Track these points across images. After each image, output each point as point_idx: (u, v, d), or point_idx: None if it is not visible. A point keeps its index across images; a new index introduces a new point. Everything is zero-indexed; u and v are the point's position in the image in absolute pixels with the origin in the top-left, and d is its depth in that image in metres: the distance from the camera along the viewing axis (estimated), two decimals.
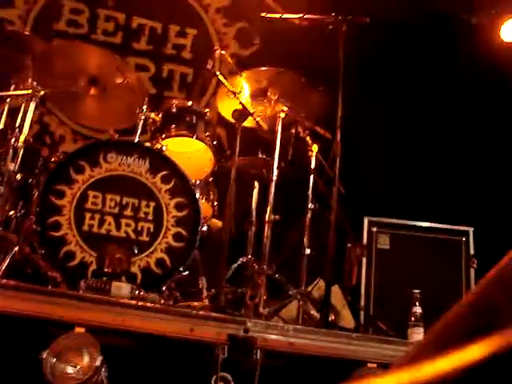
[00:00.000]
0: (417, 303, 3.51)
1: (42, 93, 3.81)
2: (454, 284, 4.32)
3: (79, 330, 2.50)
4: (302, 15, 4.26)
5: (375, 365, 2.81)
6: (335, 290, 4.09)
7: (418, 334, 3.39)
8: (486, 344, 0.54)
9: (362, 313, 4.25)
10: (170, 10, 6.26)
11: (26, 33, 5.08)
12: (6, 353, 2.51)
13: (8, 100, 4.11)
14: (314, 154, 4.22)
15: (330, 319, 3.45)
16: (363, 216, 4.54)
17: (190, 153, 4.18)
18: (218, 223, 4.14)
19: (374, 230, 4.47)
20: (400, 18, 5.55)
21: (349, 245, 4.49)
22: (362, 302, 4.29)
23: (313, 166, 4.22)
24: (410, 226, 4.53)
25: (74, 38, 5.85)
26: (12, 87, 4.14)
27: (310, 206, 4.11)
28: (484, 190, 5.54)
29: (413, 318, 3.48)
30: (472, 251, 4.43)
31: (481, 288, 0.69)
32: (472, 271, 4.38)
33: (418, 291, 3.55)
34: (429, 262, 4.40)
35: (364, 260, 4.41)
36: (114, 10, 6.11)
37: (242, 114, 3.88)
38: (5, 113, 4.07)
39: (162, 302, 3.27)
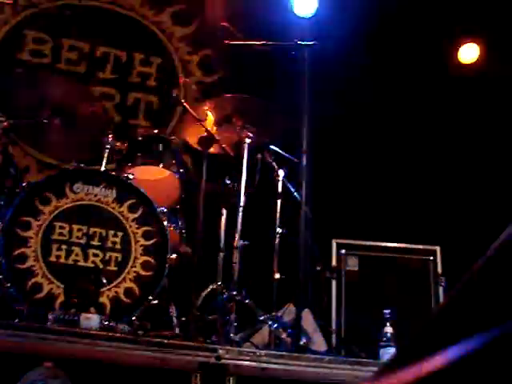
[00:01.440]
0: (387, 323, 3.53)
1: (6, 123, 3.78)
2: (424, 303, 4.36)
3: (47, 364, 2.46)
4: (264, 41, 4.31)
5: None
6: (306, 313, 4.10)
7: (389, 354, 3.40)
8: (447, 354, 0.56)
9: (333, 335, 4.25)
10: (135, 39, 6.28)
11: None
12: None
13: None
14: (281, 178, 4.25)
15: (301, 343, 3.45)
16: (331, 239, 4.57)
17: (157, 180, 4.17)
18: (188, 249, 4.11)
19: (343, 252, 4.50)
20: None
21: (318, 268, 4.50)
22: (334, 325, 4.30)
23: (280, 190, 4.24)
24: (378, 247, 4.57)
25: (38, 67, 5.83)
26: None
27: (278, 230, 4.12)
28: (450, 208, 5.62)
29: (384, 339, 3.49)
30: (440, 270, 4.49)
31: (443, 304, 0.72)
32: (440, 289, 4.42)
33: (388, 311, 3.57)
34: (398, 282, 4.44)
35: (334, 282, 4.43)
36: (78, 39, 6.10)
37: (208, 140, 3.90)
38: None
39: (132, 332, 3.23)
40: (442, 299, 4.39)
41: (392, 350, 3.42)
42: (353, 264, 4.48)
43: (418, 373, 0.60)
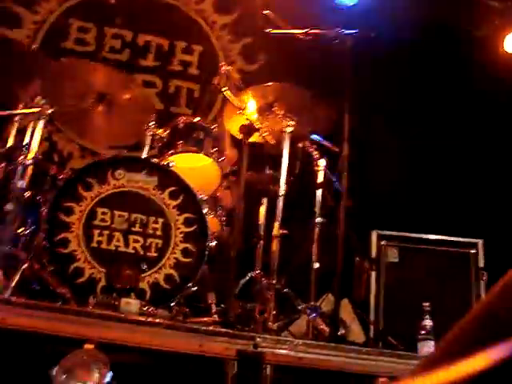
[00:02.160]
0: (426, 316, 3.49)
1: (51, 111, 3.84)
2: (464, 297, 4.30)
3: (88, 346, 2.50)
4: (307, 30, 4.28)
5: (385, 379, 2.79)
6: (344, 304, 4.08)
7: (428, 348, 3.37)
8: (490, 354, 0.55)
9: (371, 327, 4.23)
10: (176, 27, 6.31)
11: (35, 52, 5.14)
12: (16, 369, 2.51)
13: (17, 118, 4.15)
14: (322, 168, 4.22)
15: (339, 333, 3.44)
16: (372, 230, 4.54)
17: (198, 168, 4.19)
18: (224, 232, 4.12)
19: (383, 243, 4.46)
20: (401, 31, 5.57)
21: (357, 259, 4.48)
22: (372, 316, 4.28)
23: (320, 180, 4.21)
24: (419, 238, 4.52)
25: (82, 56, 5.90)
26: (21, 106, 4.18)
27: (318, 220, 4.10)
28: (493, 201, 5.52)
29: (423, 332, 3.45)
30: (481, 264, 4.41)
31: (486, 301, 0.70)
32: (482, 284, 4.35)
33: (427, 304, 3.53)
34: (438, 275, 4.38)
35: (373, 274, 4.40)
36: (121, 27, 6.16)
37: (249, 129, 3.89)
38: (14, 131, 4.10)
39: (171, 317, 3.26)
40: (483, 294, 4.32)
41: (430, 344, 3.39)
42: (393, 255, 4.44)
43: (458, 372, 0.58)
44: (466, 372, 0.56)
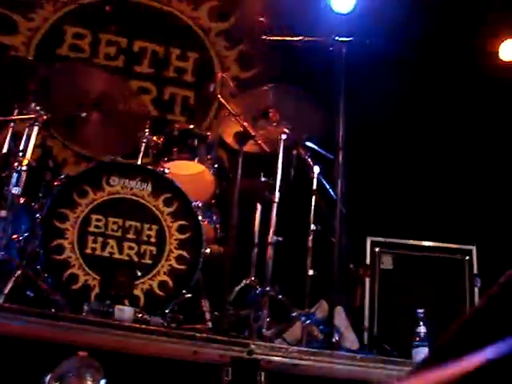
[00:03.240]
0: (421, 323, 3.49)
1: (45, 117, 3.84)
2: (458, 303, 4.30)
3: (82, 353, 2.49)
4: (302, 37, 4.30)
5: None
6: (338, 311, 4.08)
7: (422, 354, 3.37)
8: (481, 355, 0.56)
9: (366, 333, 4.23)
10: (172, 34, 6.32)
11: (30, 58, 5.14)
12: (8, 376, 2.50)
13: (11, 124, 4.15)
14: (316, 175, 4.23)
15: (333, 340, 3.44)
16: (366, 236, 4.54)
17: (192, 175, 4.19)
18: (219, 249, 4.13)
19: (377, 250, 4.47)
20: (397, 37, 5.59)
21: (351, 265, 4.48)
22: (366, 323, 4.28)
23: (314, 187, 4.22)
24: (413, 245, 4.53)
25: (77, 62, 5.90)
26: (15, 112, 4.17)
27: (313, 227, 4.11)
28: (486, 207, 5.54)
29: (417, 338, 3.46)
30: (476, 270, 4.42)
31: (477, 306, 0.71)
32: (476, 290, 4.36)
33: (421, 311, 3.53)
34: (432, 282, 4.39)
35: (367, 280, 4.40)
36: (116, 34, 6.17)
37: (244, 136, 3.90)
38: (8, 137, 4.10)
39: (165, 324, 3.26)
40: (477, 300, 4.33)
41: (425, 350, 3.39)
42: (387, 262, 4.44)
43: (452, 372, 0.59)
44: (459, 371, 0.57)
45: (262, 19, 4.37)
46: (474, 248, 4.50)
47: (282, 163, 4.01)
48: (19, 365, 2.55)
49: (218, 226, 4.20)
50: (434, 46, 5.94)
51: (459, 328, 0.74)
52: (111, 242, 3.47)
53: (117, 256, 3.46)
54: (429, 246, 4.52)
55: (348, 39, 4.10)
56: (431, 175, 5.75)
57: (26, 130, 3.92)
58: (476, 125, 5.79)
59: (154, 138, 4.19)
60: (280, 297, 3.80)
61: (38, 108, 3.84)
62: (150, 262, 3.49)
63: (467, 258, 4.45)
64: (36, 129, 3.80)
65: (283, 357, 2.83)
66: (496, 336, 0.60)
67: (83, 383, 2.41)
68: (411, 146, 5.82)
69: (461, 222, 5.32)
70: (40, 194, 3.91)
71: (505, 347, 0.58)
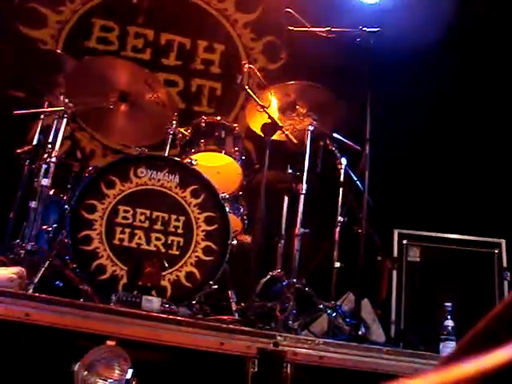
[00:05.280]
0: (448, 317, 3.46)
1: (74, 109, 3.88)
2: (487, 297, 4.26)
3: (110, 343, 2.52)
4: (329, 28, 4.27)
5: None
6: (365, 303, 4.06)
7: (449, 348, 3.34)
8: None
9: (392, 326, 4.21)
10: (198, 26, 6.34)
11: (58, 51, 5.19)
12: (37, 365, 2.54)
13: (41, 117, 4.20)
14: (343, 167, 4.21)
15: (360, 333, 3.43)
16: (393, 229, 4.51)
17: (219, 167, 4.21)
18: (246, 239, 4.14)
19: (405, 242, 4.43)
20: (425, 30, 5.52)
21: (379, 258, 4.45)
22: (393, 316, 4.26)
23: (342, 179, 4.20)
24: (441, 238, 4.49)
25: (104, 54, 5.95)
26: (45, 104, 4.23)
27: (340, 219, 4.09)
28: None
29: (445, 332, 3.43)
30: (505, 264, 4.37)
31: (509, 300, 0.70)
32: (505, 284, 4.31)
33: (449, 304, 3.50)
34: (460, 275, 4.34)
35: (394, 273, 4.37)
36: (143, 27, 6.20)
37: (271, 127, 3.89)
38: (38, 130, 4.16)
39: (192, 315, 3.27)
40: (506, 294, 4.28)
41: (452, 344, 3.36)
42: (414, 255, 4.41)
43: (480, 366, 0.58)
44: (484, 366, 0.56)
45: (288, 10, 4.34)
46: (503, 241, 4.44)
47: (310, 155, 4.00)
48: (49, 353, 2.59)
49: (245, 217, 4.21)
50: (467, 32, 5.85)
51: (488, 321, 0.73)
52: (139, 232, 3.50)
53: (144, 247, 3.49)
54: (457, 239, 4.48)
55: (375, 30, 4.06)
56: (461, 168, 5.69)
57: (55, 122, 3.97)
58: (504, 118, 5.71)
59: (182, 130, 4.20)
60: (306, 289, 3.80)
61: (66, 100, 3.89)
62: (177, 253, 3.51)
63: (496, 251, 4.40)
64: (65, 121, 3.84)
65: (309, 349, 2.82)
66: None
67: (111, 372, 2.44)
68: (440, 138, 5.76)
69: (490, 215, 5.26)
70: (68, 186, 3.96)
71: None
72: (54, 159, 3.71)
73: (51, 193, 3.81)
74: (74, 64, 4.17)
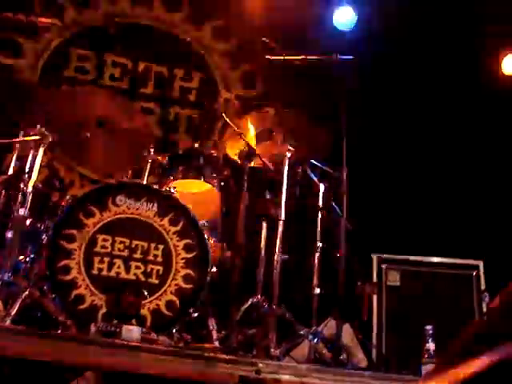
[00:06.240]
0: (429, 339, 3.47)
1: (50, 139, 3.86)
2: (467, 319, 4.27)
3: (89, 374, 2.48)
4: (304, 56, 4.33)
5: None
6: (346, 328, 4.06)
7: None
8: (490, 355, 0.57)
9: (374, 351, 4.20)
10: (176, 55, 6.37)
11: (34, 81, 5.19)
12: None
13: (17, 146, 4.17)
14: (321, 192, 4.23)
15: (341, 358, 3.42)
16: (372, 253, 4.53)
17: (199, 194, 4.20)
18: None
19: (384, 266, 4.45)
20: (399, 53, 5.63)
21: (358, 283, 4.46)
22: (374, 340, 4.25)
23: (320, 204, 4.22)
24: (420, 261, 4.51)
25: (82, 83, 5.95)
26: (21, 133, 4.20)
27: (319, 244, 4.10)
28: (493, 222, 5.52)
29: (426, 355, 3.43)
30: (483, 285, 4.40)
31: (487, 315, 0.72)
32: (484, 305, 4.33)
33: (430, 327, 3.51)
34: (440, 298, 4.36)
35: (375, 297, 4.38)
36: (121, 55, 6.23)
37: (248, 154, 3.91)
38: (14, 159, 4.12)
39: (173, 344, 3.25)
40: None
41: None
42: (394, 279, 4.43)
43: (462, 373, 0.60)
44: (464, 373, 0.58)
45: (264, 39, 4.39)
46: (481, 263, 4.47)
47: (287, 181, 4.01)
48: None
49: (224, 244, 4.20)
50: (435, 59, 5.96)
51: (471, 331, 0.75)
52: (118, 261, 3.47)
53: (124, 276, 3.46)
54: (436, 262, 4.50)
55: (350, 57, 4.13)
56: (437, 191, 5.75)
57: (32, 151, 3.94)
58: (481, 140, 5.80)
59: (159, 158, 4.20)
60: (287, 315, 3.78)
61: (43, 129, 3.87)
62: (156, 281, 3.49)
63: (474, 273, 4.43)
64: (41, 150, 3.82)
65: (291, 375, 2.81)
66: (506, 337, 0.61)
67: None
68: (417, 162, 5.82)
69: (468, 238, 5.31)
70: (46, 215, 3.93)
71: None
72: (30, 189, 3.68)
73: (28, 223, 3.77)
74: (50, 93, 4.16)
